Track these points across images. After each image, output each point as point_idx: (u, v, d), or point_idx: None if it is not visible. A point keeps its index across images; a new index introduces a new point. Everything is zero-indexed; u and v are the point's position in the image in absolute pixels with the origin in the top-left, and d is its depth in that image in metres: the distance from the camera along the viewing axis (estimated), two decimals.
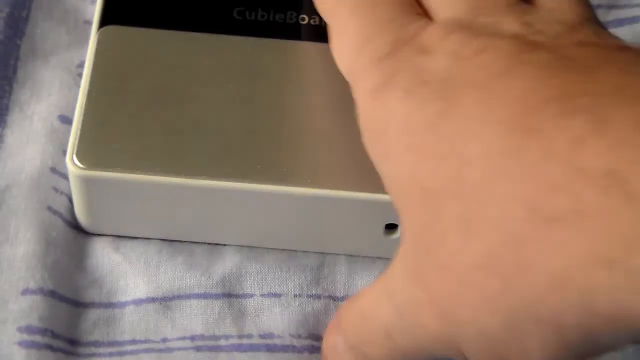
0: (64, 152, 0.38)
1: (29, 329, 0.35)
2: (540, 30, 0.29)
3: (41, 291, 0.35)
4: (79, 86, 0.40)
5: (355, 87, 0.31)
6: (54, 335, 0.35)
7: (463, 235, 0.26)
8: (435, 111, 0.28)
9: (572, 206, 0.23)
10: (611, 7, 0.42)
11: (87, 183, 0.35)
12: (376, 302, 0.31)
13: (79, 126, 0.35)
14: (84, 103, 0.35)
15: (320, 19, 0.36)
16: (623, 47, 0.28)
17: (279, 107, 0.35)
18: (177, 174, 0.34)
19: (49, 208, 0.37)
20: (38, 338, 0.34)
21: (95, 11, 0.38)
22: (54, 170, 0.38)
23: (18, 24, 0.41)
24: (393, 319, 0.30)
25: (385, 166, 0.30)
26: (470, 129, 0.27)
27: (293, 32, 0.37)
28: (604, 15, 0.42)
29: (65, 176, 0.38)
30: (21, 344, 0.34)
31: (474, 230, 0.26)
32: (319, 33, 0.37)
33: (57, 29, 0.41)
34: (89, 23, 0.42)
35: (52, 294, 0.35)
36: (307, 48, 0.37)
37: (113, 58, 0.36)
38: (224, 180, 0.34)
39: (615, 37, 0.29)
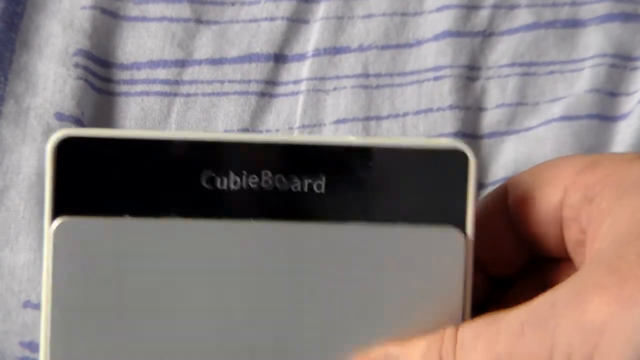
0: None
1: (31, 346, 0.35)
2: None
3: None
4: (73, 78, 0.39)
5: None
6: None
7: None
8: None
9: None
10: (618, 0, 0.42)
11: None
12: None
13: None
14: (49, 333, 0.30)
15: (311, 181, 0.31)
16: None
17: (270, 318, 0.31)
18: None
19: None
20: None
21: (46, 199, 0.31)
22: None
23: (13, 18, 0.40)
24: None
25: None
26: None
27: (279, 204, 0.31)
28: (612, 8, 0.41)
29: None
30: None
31: None
32: (309, 203, 0.31)
33: (51, 22, 0.41)
34: (85, 8, 0.41)
35: None
36: (297, 230, 0.31)
37: (73, 262, 0.30)
38: None
39: None
